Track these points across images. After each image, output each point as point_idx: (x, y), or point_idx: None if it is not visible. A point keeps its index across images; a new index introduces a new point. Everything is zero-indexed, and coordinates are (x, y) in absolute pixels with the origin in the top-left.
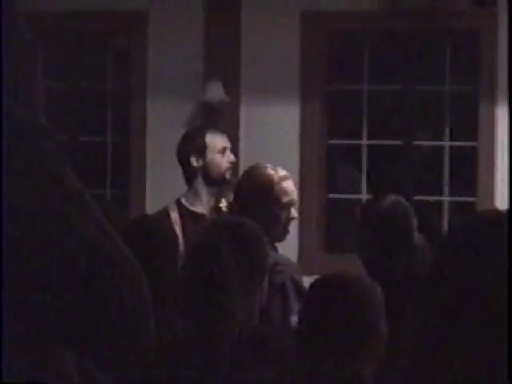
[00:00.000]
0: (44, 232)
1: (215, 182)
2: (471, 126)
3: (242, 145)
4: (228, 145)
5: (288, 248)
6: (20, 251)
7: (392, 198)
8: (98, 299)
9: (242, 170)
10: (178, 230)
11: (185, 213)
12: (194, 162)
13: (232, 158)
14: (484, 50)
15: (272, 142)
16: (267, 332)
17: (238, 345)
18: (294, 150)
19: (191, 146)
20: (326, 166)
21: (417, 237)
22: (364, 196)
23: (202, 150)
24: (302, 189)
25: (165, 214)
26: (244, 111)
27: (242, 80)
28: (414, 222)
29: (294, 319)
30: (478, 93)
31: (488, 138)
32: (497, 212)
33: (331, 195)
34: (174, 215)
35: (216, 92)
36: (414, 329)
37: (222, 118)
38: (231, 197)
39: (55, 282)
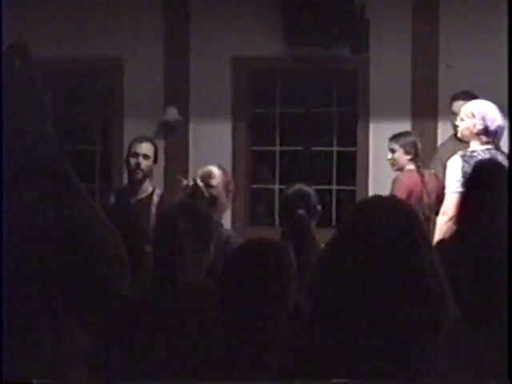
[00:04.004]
0: (52, 212)
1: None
2: (352, 136)
3: (191, 151)
4: (143, 152)
5: (225, 222)
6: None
7: (296, 185)
8: (89, 259)
9: (191, 169)
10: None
11: None
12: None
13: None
14: (360, 83)
15: (212, 148)
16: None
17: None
18: (228, 154)
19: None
20: (250, 165)
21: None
22: (277, 186)
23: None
24: (234, 182)
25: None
26: (192, 128)
27: (191, 105)
28: (314, 200)
29: None
30: (356, 114)
31: (363, 145)
32: (379, 198)
33: (254, 185)
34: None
35: (172, 114)
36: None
37: (177, 132)
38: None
39: (57, 250)
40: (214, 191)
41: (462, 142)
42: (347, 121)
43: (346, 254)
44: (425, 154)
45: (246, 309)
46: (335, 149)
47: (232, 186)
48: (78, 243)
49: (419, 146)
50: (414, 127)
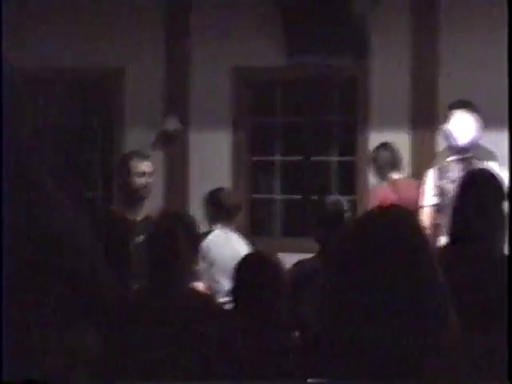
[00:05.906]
0: (26, 221)
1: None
2: (351, 145)
3: (191, 160)
4: (148, 170)
5: None
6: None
7: (333, 198)
8: (70, 269)
9: (191, 177)
10: None
11: None
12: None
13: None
14: (359, 91)
15: (212, 158)
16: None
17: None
18: (228, 164)
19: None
20: (251, 175)
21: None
22: (278, 196)
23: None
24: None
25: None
26: (192, 137)
27: (191, 115)
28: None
29: None
30: (356, 121)
31: (363, 154)
32: (380, 208)
33: (254, 195)
34: None
35: (172, 123)
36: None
37: (177, 141)
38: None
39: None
40: None
41: None
42: (347, 130)
43: (351, 262)
44: (424, 162)
45: (244, 315)
46: (335, 158)
47: None
48: (51, 251)
49: (398, 155)
50: (413, 136)
